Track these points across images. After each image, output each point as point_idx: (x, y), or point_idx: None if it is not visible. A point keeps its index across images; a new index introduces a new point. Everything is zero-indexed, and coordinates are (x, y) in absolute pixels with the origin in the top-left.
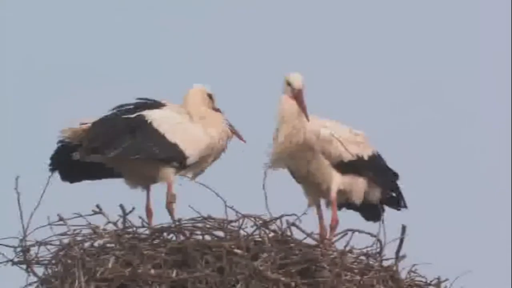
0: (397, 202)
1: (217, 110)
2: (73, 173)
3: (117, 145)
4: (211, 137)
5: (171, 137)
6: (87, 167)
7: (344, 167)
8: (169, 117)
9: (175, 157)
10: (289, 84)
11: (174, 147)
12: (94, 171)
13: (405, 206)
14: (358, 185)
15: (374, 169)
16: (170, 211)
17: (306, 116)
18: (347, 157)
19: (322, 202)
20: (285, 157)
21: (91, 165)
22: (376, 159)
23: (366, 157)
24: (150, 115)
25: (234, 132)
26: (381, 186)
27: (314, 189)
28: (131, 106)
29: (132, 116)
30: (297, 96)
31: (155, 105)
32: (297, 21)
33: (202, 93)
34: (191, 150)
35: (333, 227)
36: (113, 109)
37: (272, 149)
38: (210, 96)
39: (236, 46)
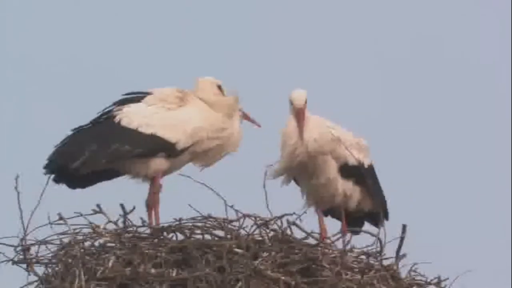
0: (380, 219)
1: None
2: (79, 182)
3: (80, 155)
4: (207, 118)
5: (147, 129)
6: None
7: (347, 171)
8: (141, 110)
9: (157, 148)
10: (291, 102)
11: (153, 138)
12: (98, 176)
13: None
14: (355, 192)
15: (371, 178)
16: (154, 202)
17: (301, 136)
18: (351, 160)
19: (322, 203)
20: (291, 168)
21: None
22: (373, 169)
23: (366, 165)
24: (120, 113)
25: (247, 117)
26: (374, 197)
27: (317, 193)
28: (112, 107)
29: (101, 119)
30: (297, 114)
31: (137, 98)
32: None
33: (211, 83)
34: (177, 134)
35: (343, 234)
36: (98, 112)
37: (278, 163)
38: (219, 87)
39: (237, 45)
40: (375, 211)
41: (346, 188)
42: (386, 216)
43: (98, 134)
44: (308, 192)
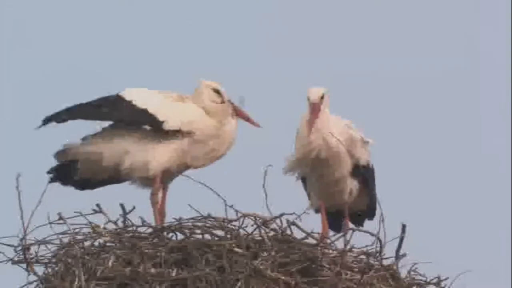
0: (361, 220)
1: (228, 101)
2: (88, 184)
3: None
4: (200, 119)
5: (140, 104)
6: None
7: (357, 170)
8: (145, 92)
9: (142, 120)
10: (308, 98)
11: (142, 112)
12: (102, 181)
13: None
14: (357, 191)
15: (372, 179)
16: (152, 202)
17: (309, 130)
18: (362, 160)
19: (328, 203)
20: (305, 162)
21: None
22: (374, 170)
23: (370, 165)
24: (125, 90)
25: (243, 115)
26: (370, 198)
27: (326, 190)
28: None
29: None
30: (312, 109)
31: None
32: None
33: (206, 87)
34: (167, 115)
35: (345, 232)
36: None
37: (291, 156)
38: (217, 91)
39: (240, 45)
40: (362, 212)
41: (353, 186)
42: (371, 216)
43: (97, 100)
44: (317, 189)
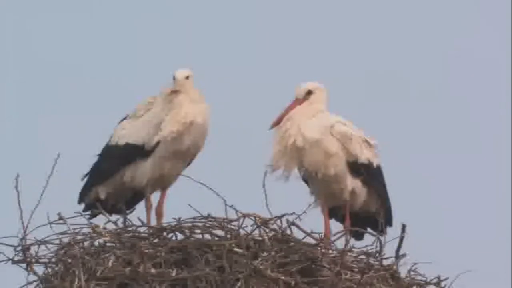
0: (380, 227)
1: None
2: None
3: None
4: (158, 117)
5: (121, 141)
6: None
7: (357, 169)
8: (121, 126)
9: (131, 153)
10: None
11: (125, 146)
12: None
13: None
14: (363, 192)
15: (380, 179)
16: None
17: (274, 123)
18: (361, 158)
19: (330, 203)
20: (286, 157)
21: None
22: (381, 170)
23: (375, 165)
24: (112, 133)
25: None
26: (380, 198)
27: (326, 188)
28: None
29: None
30: (292, 103)
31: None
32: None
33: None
34: (143, 136)
35: (346, 230)
36: None
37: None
38: (173, 77)
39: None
40: (379, 214)
41: (355, 185)
42: (389, 222)
43: (95, 162)
44: (318, 188)
